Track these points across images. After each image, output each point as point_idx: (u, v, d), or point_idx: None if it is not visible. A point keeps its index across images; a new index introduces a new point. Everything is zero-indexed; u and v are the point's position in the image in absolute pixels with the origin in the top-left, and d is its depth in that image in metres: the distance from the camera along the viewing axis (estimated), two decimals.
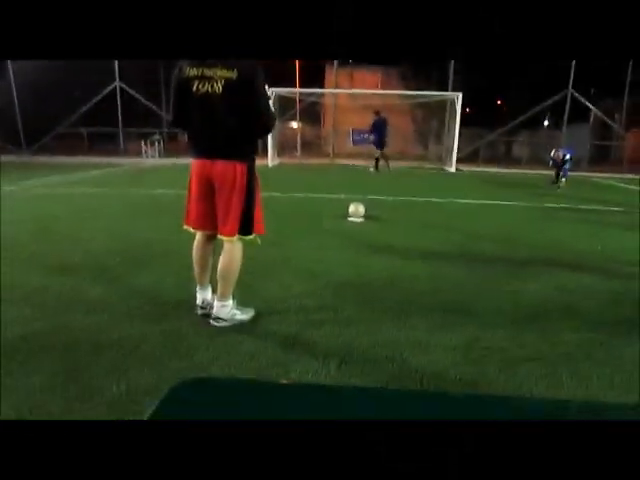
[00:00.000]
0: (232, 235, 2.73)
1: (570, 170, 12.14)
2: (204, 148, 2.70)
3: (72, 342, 2.58)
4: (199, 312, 2.96)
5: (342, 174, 14.65)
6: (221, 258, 2.83)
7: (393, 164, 16.04)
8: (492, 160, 20.87)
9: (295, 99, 19.70)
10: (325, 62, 25.44)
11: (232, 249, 2.79)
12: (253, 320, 2.93)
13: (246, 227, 2.76)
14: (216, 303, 2.87)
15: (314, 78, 23.36)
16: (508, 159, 22.69)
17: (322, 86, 23.24)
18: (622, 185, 13.49)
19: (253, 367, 2.37)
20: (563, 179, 11.84)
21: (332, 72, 20.78)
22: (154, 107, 19.12)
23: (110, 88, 19.44)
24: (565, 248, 5.08)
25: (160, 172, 13.49)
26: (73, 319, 2.87)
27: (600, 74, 19.63)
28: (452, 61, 18.37)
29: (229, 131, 2.60)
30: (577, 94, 18.19)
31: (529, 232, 5.96)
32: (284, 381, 2.03)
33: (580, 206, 8.41)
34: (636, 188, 12.44)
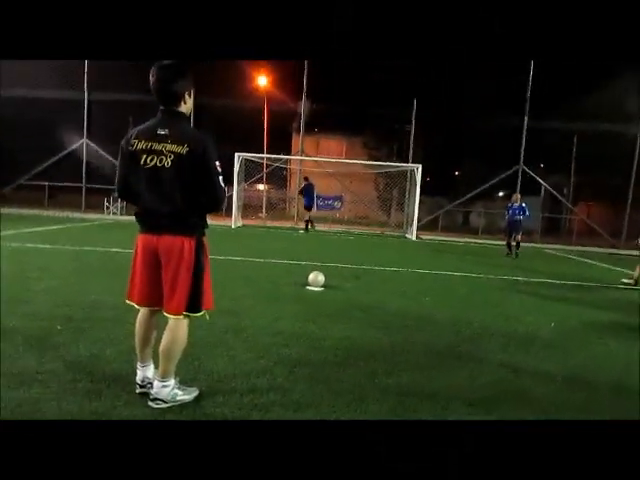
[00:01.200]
0: (179, 313, 2.58)
1: (524, 234, 12.63)
2: (151, 222, 2.59)
3: None
4: (138, 390, 2.74)
5: (304, 239, 14.72)
6: (165, 335, 2.66)
7: (358, 229, 16.34)
8: (451, 229, 21.60)
9: (262, 164, 20.07)
10: (291, 129, 26.38)
11: (177, 326, 2.64)
12: (195, 400, 2.73)
13: (194, 304, 2.62)
14: (156, 383, 2.66)
15: (281, 143, 24.05)
16: (466, 228, 23.55)
17: (289, 152, 23.89)
18: (573, 257, 14.07)
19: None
20: (518, 250, 12.51)
21: (298, 139, 21.44)
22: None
23: (77, 145, 19.37)
24: (520, 323, 5.12)
25: (120, 229, 13.19)
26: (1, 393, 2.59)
27: (548, 150, 21.12)
28: (412, 134, 19.36)
29: (177, 206, 2.52)
30: (528, 169, 19.31)
31: (486, 306, 6.01)
32: None
33: (533, 279, 8.64)
34: (585, 260, 12.99)
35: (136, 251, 2.67)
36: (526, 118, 18.95)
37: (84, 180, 19.70)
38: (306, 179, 17.18)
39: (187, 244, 2.55)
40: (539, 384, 3.35)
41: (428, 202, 21.05)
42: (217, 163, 2.56)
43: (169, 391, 2.65)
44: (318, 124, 26.05)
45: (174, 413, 2.58)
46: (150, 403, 2.63)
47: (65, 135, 19.55)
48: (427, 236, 18.19)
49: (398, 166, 19.37)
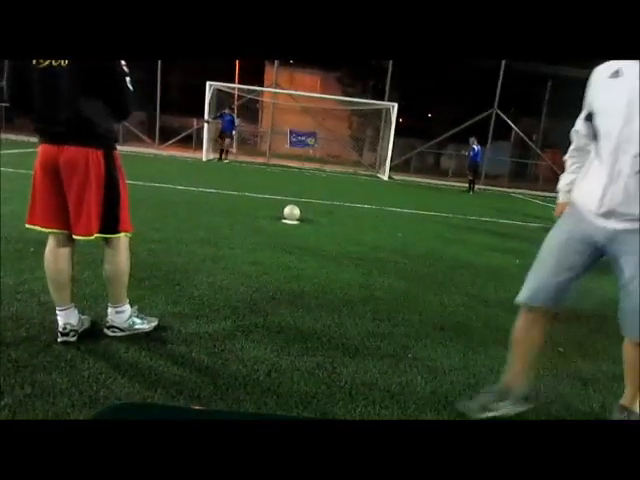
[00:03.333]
0: (89, 234, 2.32)
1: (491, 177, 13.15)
2: (50, 132, 2.24)
3: None
4: (60, 339, 2.39)
5: (278, 175, 14.56)
6: (105, 259, 2.48)
7: (331, 167, 16.28)
8: (422, 170, 21.74)
9: (234, 95, 19.32)
10: (265, 61, 25.24)
11: (114, 247, 2.45)
12: (180, 322, 2.79)
13: (108, 224, 2.36)
14: (110, 310, 2.54)
15: (254, 76, 23.08)
16: (437, 170, 23.72)
17: (262, 84, 23.02)
18: (538, 202, 14.50)
19: (176, 373, 2.25)
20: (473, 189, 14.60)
21: (272, 71, 20.61)
22: None
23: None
24: (488, 258, 5.34)
25: None
26: None
27: (521, 94, 21.07)
28: (389, 69, 18.89)
29: (80, 111, 2.19)
30: (501, 113, 19.31)
31: (457, 242, 6.21)
32: (198, 407, 1.96)
33: (501, 220, 8.92)
34: (548, 205, 13.43)
35: (36, 166, 2.32)
36: (503, 60, 18.71)
37: None
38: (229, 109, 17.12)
39: (93, 156, 2.25)
40: (507, 312, 3.56)
41: (401, 143, 20.96)
42: (123, 62, 2.24)
43: (126, 318, 2.55)
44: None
45: (152, 335, 2.61)
46: (106, 331, 2.53)
47: None
48: (399, 177, 18.28)
49: (373, 103, 19.02)
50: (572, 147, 2.08)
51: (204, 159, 16.10)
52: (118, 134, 2.43)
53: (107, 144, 2.32)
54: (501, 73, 18.71)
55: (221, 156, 16.51)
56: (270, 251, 4.63)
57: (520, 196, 16.26)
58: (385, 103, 18.08)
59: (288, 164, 18.17)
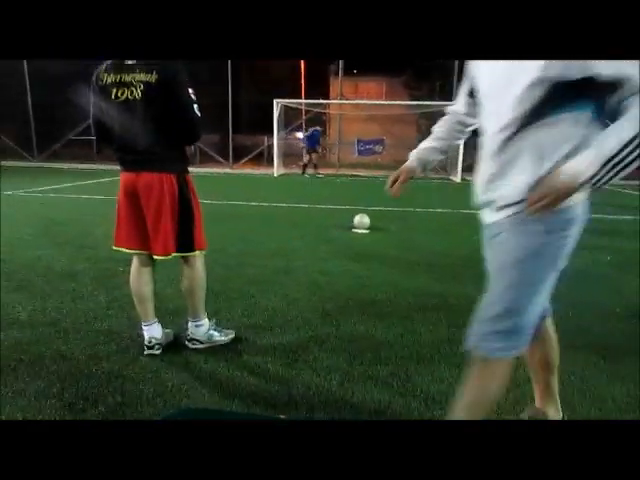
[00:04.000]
0: (167, 254, 2.48)
1: None
2: (128, 160, 2.43)
3: (69, 353, 2.54)
4: (146, 352, 2.58)
5: (347, 185, 14.63)
6: (183, 275, 2.63)
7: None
8: None
9: (301, 110, 19.74)
10: (329, 72, 25.59)
11: (190, 265, 2.59)
12: (255, 333, 2.88)
13: (184, 243, 2.50)
14: (190, 324, 2.69)
15: (319, 89, 23.46)
16: None
17: (327, 97, 23.32)
18: (629, 192, 13.37)
19: (252, 382, 2.31)
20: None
21: (337, 82, 20.84)
22: None
23: None
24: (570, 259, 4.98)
25: None
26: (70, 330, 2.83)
27: None
28: (455, 69, 18.39)
29: (153, 140, 2.36)
30: None
31: None
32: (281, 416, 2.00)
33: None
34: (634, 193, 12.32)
35: (119, 191, 2.51)
36: None
37: None
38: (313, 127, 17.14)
39: (167, 180, 2.40)
40: (597, 316, 3.31)
41: (473, 143, 20.25)
42: (190, 90, 2.35)
43: (204, 331, 2.69)
44: (356, 65, 25.16)
45: (229, 347, 2.72)
46: (187, 343, 2.69)
47: None
48: (473, 177, 17.66)
49: (441, 105, 18.59)
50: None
51: (275, 174, 16.55)
52: (190, 158, 2.56)
53: (179, 169, 2.47)
54: None
55: (304, 170, 16.75)
56: (340, 260, 4.65)
57: (609, 187, 15.07)
58: (453, 103, 17.60)
59: (357, 173, 18.19)
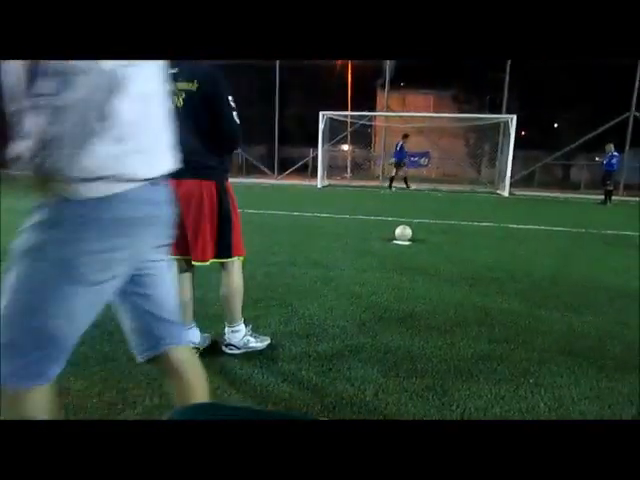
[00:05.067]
0: (205, 260, 2.51)
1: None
2: None
3: (112, 354, 2.63)
4: None
5: (391, 197, 14.53)
6: (222, 282, 2.67)
7: (447, 187, 15.92)
8: (548, 184, 20.13)
9: (346, 122, 19.86)
10: (376, 86, 25.61)
11: (228, 271, 2.62)
12: (291, 340, 2.89)
13: (222, 249, 2.53)
14: (227, 329, 2.72)
15: (366, 102, 23.53)
16: (566, 183, 21.81)
17: (374, 110, 23.35)
18: None
19: (286, 390, 2.31)
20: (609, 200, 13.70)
21: (383, 95, 20.85)
22: None
23: None
24: (626, 277, 4.73)
25: None
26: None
27: None
28: (506, 80, 17.99)
29: (192, 147, 2.33)
30: None
31: (587, 259, 5.61)
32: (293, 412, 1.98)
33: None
34: None
35: None
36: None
37: None
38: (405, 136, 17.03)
39: (207, 187, 2.43)
40: None
41: (523, 156, 19.69)
42: (230, 98, 2.36)
43: (241, 337, 2.70)
44: (404, 79, 25.08)
45: (265, 353, 2.74)
46: (224, 348, 2.71)
47: None
48: (521, 192, 17.15)
49: (489, 118, 18.25)
50: None
51: (319, 186, 16.70)
52: (231, 166, 2.61)
53: (219, 176, 2.49)
54: (638, 70, 16.81)
55: (391, 184, 16.73)
56: (380, 272, 4.61)
57: None
58: (503, 116, 17.24)
59: (402, 186, 18.07)
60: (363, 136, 22.17)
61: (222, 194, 2.49)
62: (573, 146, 18.70)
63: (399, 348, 2.82)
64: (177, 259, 2.61)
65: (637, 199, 15.58)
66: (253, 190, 13.74)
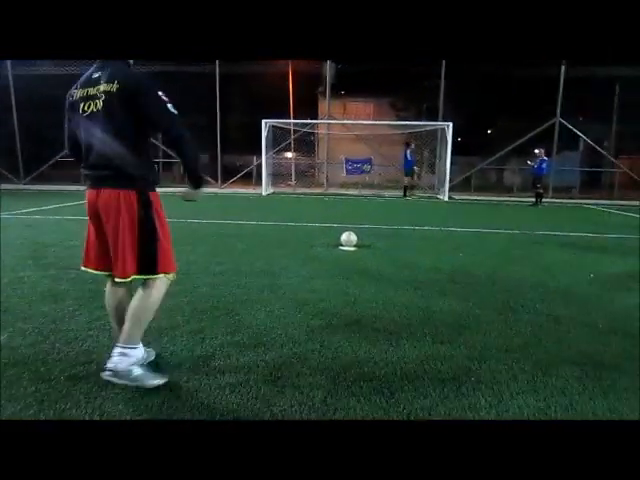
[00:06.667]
0: (126, 275, 2.30)
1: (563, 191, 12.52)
2: (91, 176, 2.32)
3: (47, 374, 2.48)
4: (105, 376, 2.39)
5: (335, 203, 14.70)
6: (135, 295, 2.39)
7: (389, 193, 16.36)
8: (484, 188, 21.08)
9: (289, 130, 19.90)
10: (317, 94, 25.90)
11: (149, 287, 2.38)
12: (238, 350, 2.84)
13: (145, 265, 2.32)
14: (116, 349, 2.35)
15: (307, 109, 23.69)
16: (500, 187, 22.92)
17: (316, 117, 23.53)
18: (613, 211, 13.57)
19: (234, 401, 2.28)
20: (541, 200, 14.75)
21: (325, 103, 21.09)
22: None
23: None
24: (558, 274, 5.03)
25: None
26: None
27: (587, 102, 20.04)
28: (441, 89, 18.72)
29: (113, 154, 2.22)
30: (565, 121, 18.44)
31: (522, 259, 5.92)
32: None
33: (570, 233, 8.42)
34: (630, 215, 12.50)
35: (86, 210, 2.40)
36: (563, 67, 17.99)
37: None
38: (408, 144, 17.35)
39: (126, 197, 2.25)
40: (582, 330, 3.32)
41: (460, 162, 20.51)
42: (160, 92, 2.24)
43: (130, 362, 2.34)
44: (344, 87, 25.47)
45: (211, 365, 2.68)
46: (102, 374, 2.39)
47: None
48: (460, 196, 17.84)
49: (427, 125, 18.87)
50: None
51: (264, 193, 16.60)
52: (157, 175, 2.43)
53: (142, 185, 2.31)
54: (561, 80, 17.98)
55: (405, 193, 16.90)
56: (327, 278, 4.65)
57: (593, 206, 15.30)
58: (440, 123, 17.89)
59: (346, 192, 18.31)
60: (306, 144, 22.28)
61: (145, 205, 2.30)
62: (505, 151, 19.68)
63: (347, 353, 2.86)
64: (104, 275, 2.48)
65: (567, 201, 16.65)
66: None
